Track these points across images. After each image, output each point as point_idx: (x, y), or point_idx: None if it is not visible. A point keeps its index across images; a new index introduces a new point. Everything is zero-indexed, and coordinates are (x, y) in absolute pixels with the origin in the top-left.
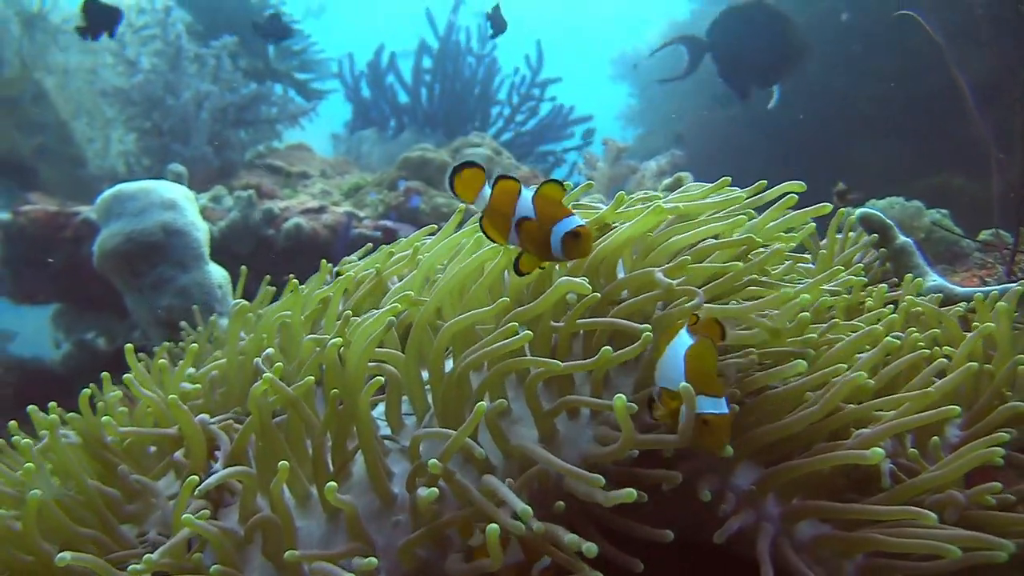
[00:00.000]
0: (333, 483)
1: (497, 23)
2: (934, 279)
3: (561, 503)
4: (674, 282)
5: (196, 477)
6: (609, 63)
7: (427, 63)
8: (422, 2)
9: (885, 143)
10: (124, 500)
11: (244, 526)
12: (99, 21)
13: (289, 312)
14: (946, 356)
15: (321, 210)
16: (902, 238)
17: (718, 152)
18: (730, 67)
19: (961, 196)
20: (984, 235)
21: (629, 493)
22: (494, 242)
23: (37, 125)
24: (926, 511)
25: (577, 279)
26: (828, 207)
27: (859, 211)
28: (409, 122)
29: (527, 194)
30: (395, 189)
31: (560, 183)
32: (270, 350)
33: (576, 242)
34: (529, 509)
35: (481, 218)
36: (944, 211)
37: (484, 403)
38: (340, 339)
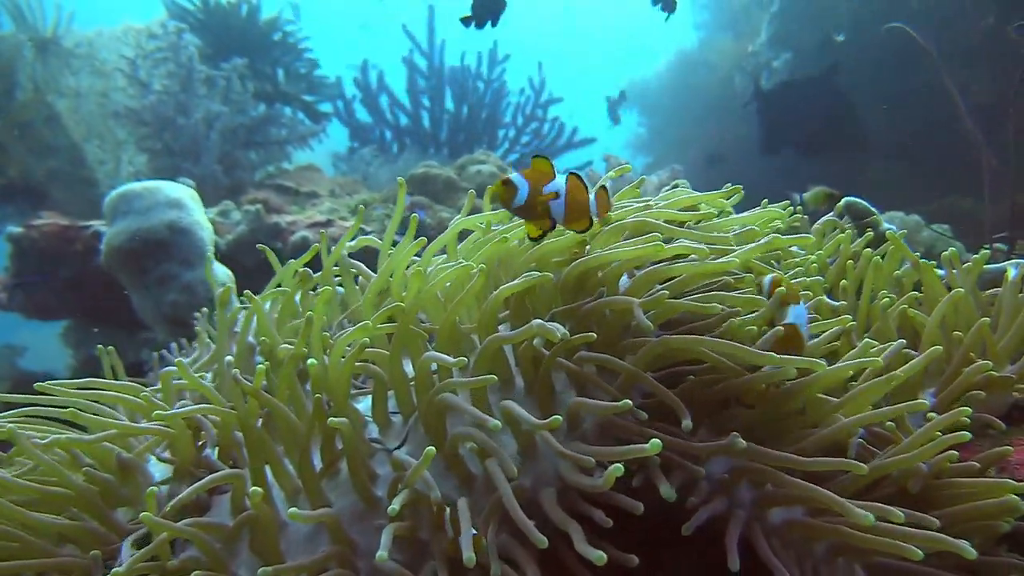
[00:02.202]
0: (294, 509)
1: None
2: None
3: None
4: (654, 327)
5: (155, 488)
6: (617, 91)
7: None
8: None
9: (897, 166)
10: (119, 483)
11: (235, 519)
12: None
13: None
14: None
15: (328, 224)
16: (885, 224)
17: (732, 172)
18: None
19: (970, 218)
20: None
21: (600, 556)
22: None
23: (49, 148)
24: (894, 509)
25: (549, 325)
26: (811, 239)
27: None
28: (412, 143)
29: None
30: None
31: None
32: (229, 358)
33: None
34: (473, 558)
35: None
36: (945, 226)
37: (432, 448)
38: (314, 361)
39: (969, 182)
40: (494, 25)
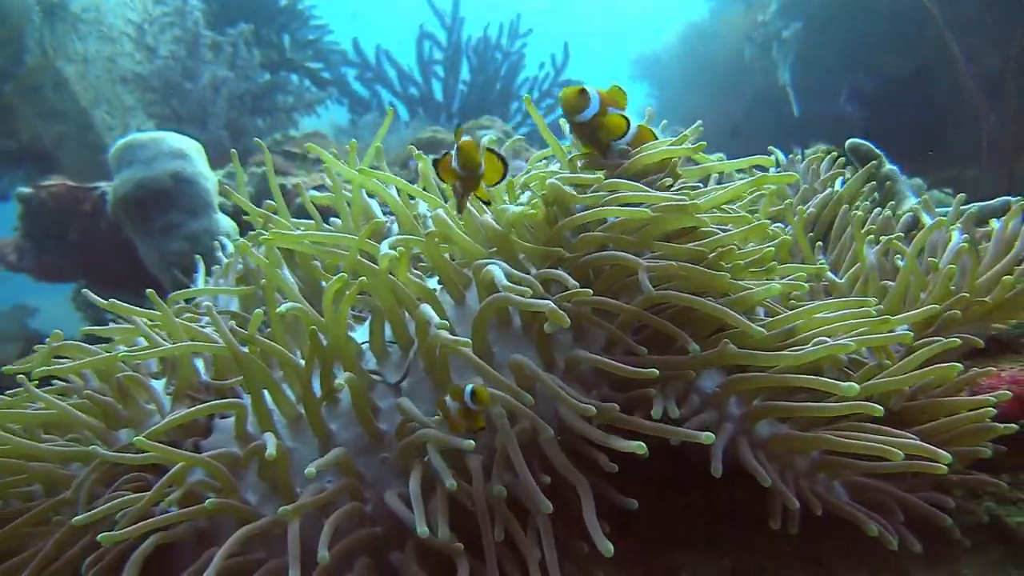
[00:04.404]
0: (311, 467)
1: None
2: (913, 203)
3: (547, 478)
4: (655, 291)
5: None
6: (629, 63)
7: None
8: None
9: (904, 138)
10: (121, 406)
11: (240, 445)
12: None
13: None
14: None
15: None
16: (888, 166)
17: (750, 144)
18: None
19: (974, 187)
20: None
21: (608, 549)
22: None
23: (58, 113)
24: (874, 404)
25: (560, 310)
26: (796, 176)
27: (849, 141)
28: (424, 113)
29: None
30: (406, 168)
31: None
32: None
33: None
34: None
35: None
36: (948, 190)
37: (471, 442)
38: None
39: (973, 154)
40: None
